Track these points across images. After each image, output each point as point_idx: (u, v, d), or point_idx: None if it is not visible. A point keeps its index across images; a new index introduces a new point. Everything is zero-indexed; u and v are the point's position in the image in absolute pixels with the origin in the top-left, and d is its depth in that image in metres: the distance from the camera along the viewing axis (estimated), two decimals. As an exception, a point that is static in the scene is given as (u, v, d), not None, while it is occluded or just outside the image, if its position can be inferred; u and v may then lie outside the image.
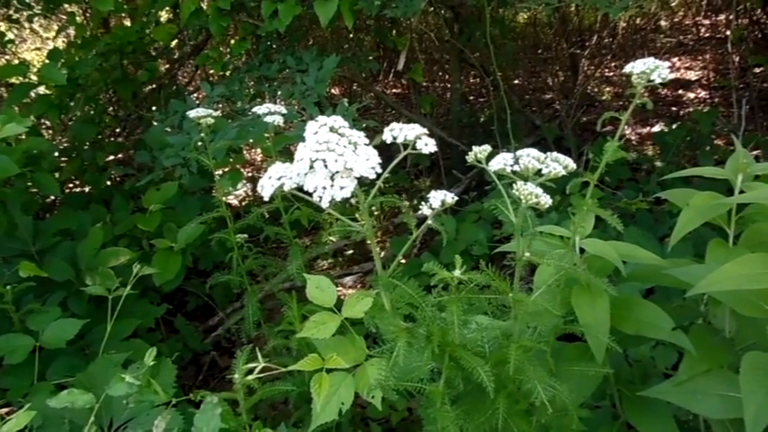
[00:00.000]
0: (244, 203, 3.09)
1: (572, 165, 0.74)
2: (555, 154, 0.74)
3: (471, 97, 4.46)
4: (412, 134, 0.67)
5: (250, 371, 1.02)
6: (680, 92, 4.15)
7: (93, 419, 0.86)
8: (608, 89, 4.22)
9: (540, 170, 0.70)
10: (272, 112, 1.39)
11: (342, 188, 0.59)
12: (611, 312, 1.05)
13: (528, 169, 0.70)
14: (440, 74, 4.45)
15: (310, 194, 0.60)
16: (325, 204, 0.59)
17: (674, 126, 3.03)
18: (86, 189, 2.68)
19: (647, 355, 1.53)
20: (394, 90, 4.84)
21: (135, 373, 1.02)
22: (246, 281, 1.59)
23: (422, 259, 2.20)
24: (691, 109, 3.71)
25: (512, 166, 0.71)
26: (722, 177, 1.14)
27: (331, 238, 2.56)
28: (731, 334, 1.14)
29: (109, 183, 2.64)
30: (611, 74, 4.33)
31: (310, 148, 0.60)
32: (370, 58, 4.16)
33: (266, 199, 0.64)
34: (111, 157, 2.93)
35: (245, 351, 1.06)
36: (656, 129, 3.53)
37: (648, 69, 0.78)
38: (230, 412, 0.93)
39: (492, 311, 0.86)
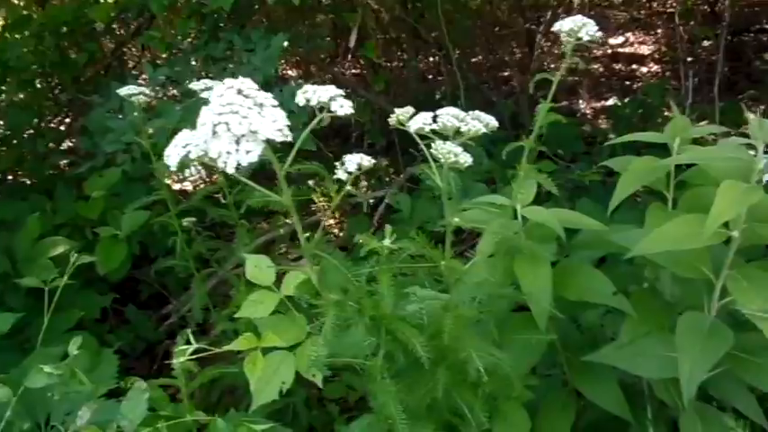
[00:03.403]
0: (198, 188, 3.01)
1: (494, 123, 0.72)
2: (477, 112, 0.72)
3: (430, 76, 4.43)
4: (326, 96, 0.64)
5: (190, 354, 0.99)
6: (633, 66, 4.21)
7: (9, 414, 0.82)
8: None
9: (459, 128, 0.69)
10: (208, 87, 1.34)
11: (248, 152, 0.56)
12: (554, 280, 1.06)
13: (447, 128, 0.68)
14: (398, 53, 4.40)
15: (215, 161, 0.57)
16: (230, 170, 0.56)
17: (626, 99, 3.07)
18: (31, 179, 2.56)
19: (598, 323, 1.55)
20: (353, 71, 4.78)
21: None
22: (193, 266, 1.55)
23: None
24: (643, 83, 3.77)
25: (430, 125, 0.69)
26: (662, 142, 1.15)
27: (287, 220, 2.51)
28: (673, 297, 1.16)
29: (54, 172, 2.53)
30: (567, 50, 4.35)
31: (213, 111, 0.57)
32: (327, 38, 4.07)
33: (173, 169, 0.61)
34: (58, 146, 2.81)
35: (183, 335, 1.03)
36: (611, 103, 3.58)
37: (576, 27, 0.77)
38: (166, 398, 0.89)
39: (429, 283, 0.84)
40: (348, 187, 0.69)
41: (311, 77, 4.03)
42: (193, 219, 1.66)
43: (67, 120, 2.91)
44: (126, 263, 1.82)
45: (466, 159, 0.66)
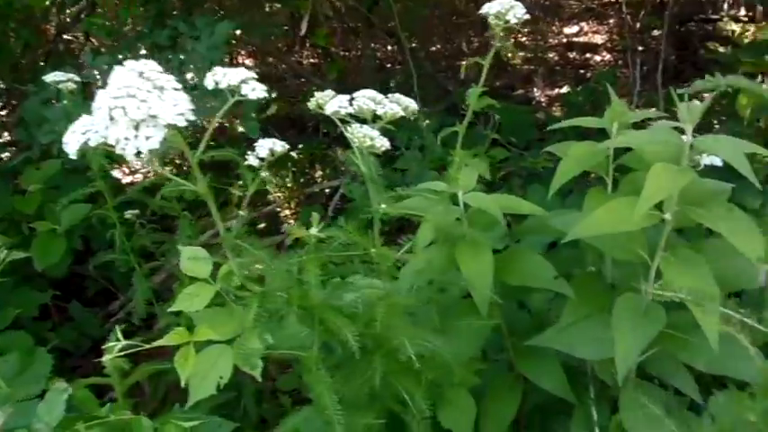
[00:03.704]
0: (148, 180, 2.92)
1: (413, 106, 0.71)
2: (397, 95, 0.71)
3: (389, 65, 4.41)
4: (236, 78, 0.61)
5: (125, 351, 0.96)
6: (587, 55, 4.28)
7: None
8: (520, 53, 4.28)
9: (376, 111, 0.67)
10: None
11: (148, 138, 0.53)
12: (498, 266, 1.05)
13: (364, 111, 0.66)
14: (356, 42, 4.36)
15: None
16: (130, 157, 0.53)
17: (579, 88, 3.12)
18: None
19: (545, 307, 1.57)
20: (311, 60, 4.72)
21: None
22: (134, 260, 1.49)
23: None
24: (596, 71, 3.84)
25: (346, 108, 0.67)
26: (602, 127, 1.16)
27: (240, 212, 2.46)
28: (614, 280, 1.18)
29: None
30: (523, 39, 4.40)
31: (110, 94, 0.53)
32: (285, 27, 3.98)
33: (73, 157, 0.57)
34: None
35: (114, 333, 0.99)
36: (565, 90, 3.63)
37: (504, 9, 0.76)
38: (92, 398, 0.86)
39: (364, 271, 0.83)
40: (264, 174, 0.67)
41: (267, 66, 3.95)
42: (136, 211, 1.60)
43: (5, 111, 2.77)
44: (66, 258, 1.75)
45: (383, 143, 0.65)
